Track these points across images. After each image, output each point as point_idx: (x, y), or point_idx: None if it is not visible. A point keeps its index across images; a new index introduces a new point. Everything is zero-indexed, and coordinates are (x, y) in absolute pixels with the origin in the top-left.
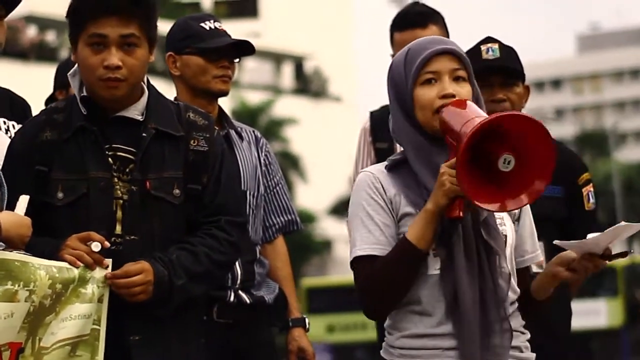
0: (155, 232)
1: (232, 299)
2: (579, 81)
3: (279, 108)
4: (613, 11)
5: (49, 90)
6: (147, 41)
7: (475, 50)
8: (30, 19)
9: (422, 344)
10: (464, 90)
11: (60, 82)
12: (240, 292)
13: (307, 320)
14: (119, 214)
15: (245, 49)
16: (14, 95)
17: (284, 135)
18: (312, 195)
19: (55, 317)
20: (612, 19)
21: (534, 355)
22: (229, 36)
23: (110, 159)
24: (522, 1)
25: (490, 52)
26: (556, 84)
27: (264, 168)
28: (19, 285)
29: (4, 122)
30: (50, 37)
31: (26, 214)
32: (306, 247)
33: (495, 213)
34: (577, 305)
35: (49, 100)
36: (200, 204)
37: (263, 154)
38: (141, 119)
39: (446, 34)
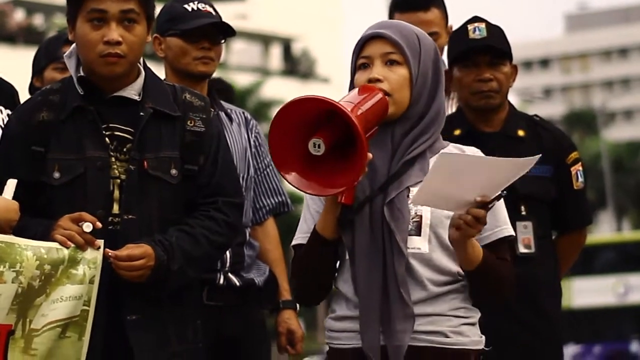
0: (152, 211)
1: (221, 281)
2: (567, 60)
3: (267, 89)
4: None
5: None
6: (146, 19)
7: (462, 30)
8: (17, 3)
9: (342, 326)
10: (394, 74)
11: (36, 68)
12: (229, 274)
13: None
14: (117, 193)
15: (225, 30)
16: (1, 80)
17: (272, 116)
18: None
19: (46, 299)
20: None
21: (467, 339)
22: (214, 17)
23: (107, 139)
24: None
25: (477, 32)
26: (544, 63)
27: (254, 150)
28: (4, 267)
29: None
30: (38, 20)
31: (18, 195)
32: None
33: (413, 193)
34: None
35: (30, 90)
36: (197, 185)
37: (253, 135)
38: (138, 99)
39: (446, 16)
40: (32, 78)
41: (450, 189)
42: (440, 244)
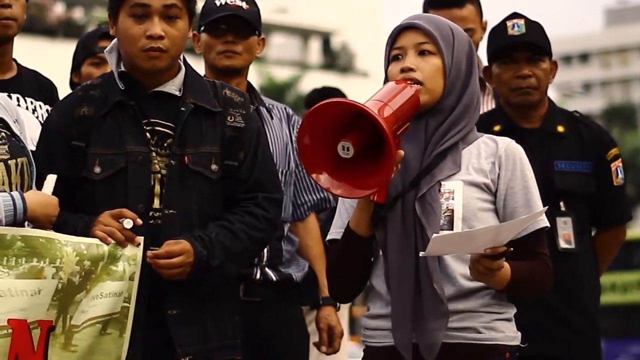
0: (193, 206)
1: (258, 276)
2: (607, 55)
3: (306, 84)
4: None
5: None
6: (188, 14)
7: (500, 27)
8: None
9: (376, 324)
10: (427, 64)
11: (74, 64)
12: (266, 269)
13: None
14: (157, 188)
15: (248, 22)
16: (41, 76)
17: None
18: None
19: (86, 295)
20: None
21: (501, 334)
22: (241, 10)
23: (148, 134)
24: None
25: (516, 28)
26: (584, 58)
27: (295, 145)
28: (44, 262)
29: (31, 103)
30: (78, 14)
31: (57, 191)
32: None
33: (445, 186)
34: None
35: (71, 85)
36: (237, 180)
37: (295, 130)
38: (179, 94)
39: (480, 12)
40: (71, 74)
41: (459, 248)
42: None
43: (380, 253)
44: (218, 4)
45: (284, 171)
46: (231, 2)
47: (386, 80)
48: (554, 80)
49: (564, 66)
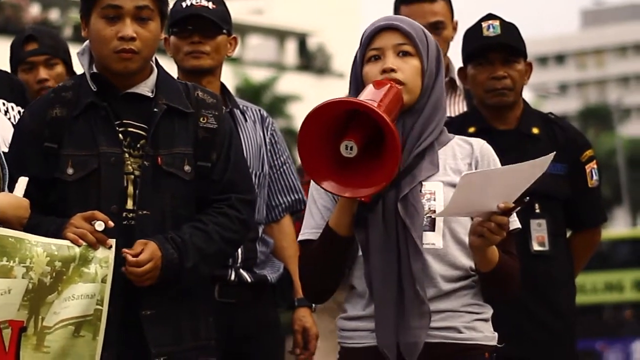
0: (166, 207)
1: (232, 277)
2: (583, 56)
3: (282, 85)
4: None
5: None
6: (160, 15)
7: (476, 28)
8: None
9: (355, 325)
10: (407, 65)
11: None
12: (241, 270)
13: None
14: (130, 189)
15: (214, 22)
16: (13, 77)
17: (288, 112)
18: None
19: (58, 297)
20: None
21: (480, 334)
22: (207, 11)
23: (120, 135)
24: None
25: (491, 29)
26: (560, 59)
27: (269, 147)
28: (14, 262)
29: (3, 104)
30: (54, 15)
31: (30, 192)
32: None
33: (425, 187)
34: None
35: None
36: (210, 181)
37: (269, 133)
38: (151, 96)
39: (451, 10)
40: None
41: (474, 204)
42: (454, 238)
43: (360, 253)
44: (184, 5)
45: (258, 173)
46: (197, 2)
47: (357, 80)
48: (530, 81)
49: (540, 67)
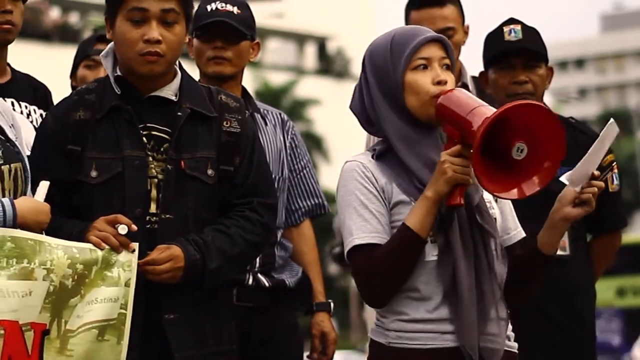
0: (189, 211)
1: (250, 282)
2: (603, 61)
3: (302, 89)
4: None
5: None
6: (185, 19)
7: (497, 32)
8: (53, 1)
9: (420, 327)
10: (450, 78)
11: (72, 69)
12: (259, 275)
13: (332, 304)
14: (154, 192)
15: (237, 29)
16: (35, 80)
17: (307, 115)
18: (335, 175)
19: (81, 300)
20: None
21: (515, 343)
22: (232, 16)
23: (144, 138)
24: None
25: (513, 34)
26: (579, 63)
27: (289, 151)
28: (34, 264)
29: (26, 107)
30: (74, 18)
31: (53, 195)
32: (329, 228)
33: (485, 196)
34: None
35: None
36: (233, 185)
37: (289, 137)
38: (175, 99)
39: (462, 14)
40: (70, 78)
41: (589, 165)
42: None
43: (427, 258)
44: (209, 9)
45: (278, 177)
46: (222, 7)
47: (394, 84)
48: (550, 86)
49: (559, 72)
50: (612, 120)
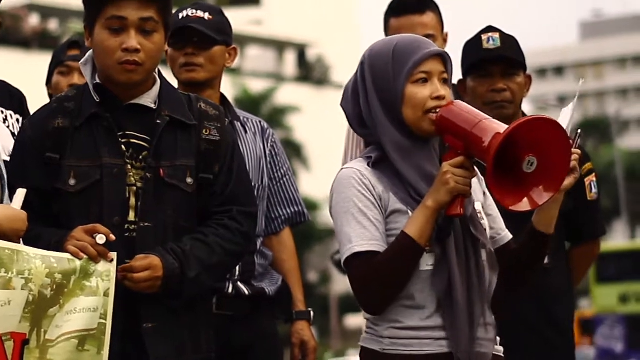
0: (168, 219)
1: (230, 290)
2: (582, 68)
3: (281, 96)
4: None
5: None
6: (164, 27)
7: (476, 40)
8: (32, 7)
9: (414, 334)
10: (448, 92)
11: (47, 75)
12: (239, 283)
13: (312, 313)
14: (132, 200)
15: (207, 34)
16: (10, 86)
17: (286, 123)
18: (315, 183)
19: (60, 310)
20: (615, 5)
21: (502, 348)
22: (202, 22)
23: (123, 146)
24: None
25: (491, 42)
26: (559, 70)
27: (269, 159)
28: (12, 273)
29: (2, 112)
30: (53, 25)
31: (32, 203)
32: (309, 235)
33: (476, 207)
34: None
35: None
36: (212, 194)
37: (269, 144)
38: (154, 107)
39: (441, 22)
40: (46, 86)
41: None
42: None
43: (423, 267)
44: (181, 16)
45: (257, 186)
46: (192, 14)
47: (393, 96)
48: (529, 93)
49: (539, 79)
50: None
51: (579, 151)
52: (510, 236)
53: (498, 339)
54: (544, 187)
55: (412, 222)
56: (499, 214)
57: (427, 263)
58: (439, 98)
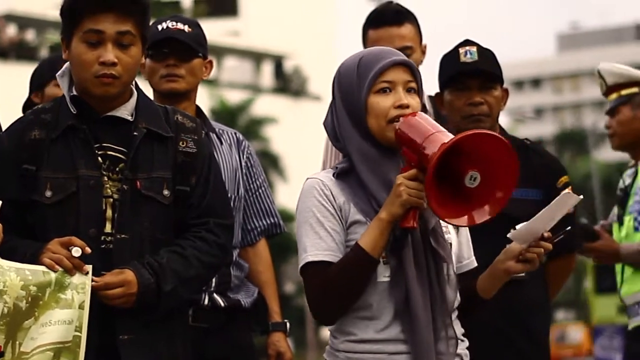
0: (144, 231)
1: (206, 302)
2: (559, 80)
3: (258, 107)
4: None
5: (28, 89)
6: (141, 40)
7: (453, 53)
8: (9, 18)
9: (368, 348)
10: (414, 101)
11: (37, 84)
12: (214, 295)
13: (288, 324)
14: (109, 212)
15: (190, 46)
16: None
17: (263, 134)
18: (292, 194)
19: (35, 322)
20: (593, 17)
21: None
22: (182, 34)
23: (99, 158)
24: (502, 0)
25: (469, 55)
26: (536, 83)
27: (245, 170)
28: None
29: None
30: (30, 36)
31: (7, 215)
32: (285, 247)
33: (441, 222)
34: None
35: (26, 105)
36: (189, 206)
37: (245, 156)
38: (131, 119)
39: (419, 34)
40: (31, 94)
41: (539, 225)
42: (454, 270)
43: (380, 279)
44: (160, 28)
45: (234, 197)
46: (172, 26)
47: (357, 107)
48: (506, 105)
49: (516, 91)
50: (567, 190)
51: (549, 246)
52: (473, 266)
53: (466, 352)
54: (485, 207)
55: (366, 233)
56: (468, 241)
57: (384, 275)
58: (401, 107)
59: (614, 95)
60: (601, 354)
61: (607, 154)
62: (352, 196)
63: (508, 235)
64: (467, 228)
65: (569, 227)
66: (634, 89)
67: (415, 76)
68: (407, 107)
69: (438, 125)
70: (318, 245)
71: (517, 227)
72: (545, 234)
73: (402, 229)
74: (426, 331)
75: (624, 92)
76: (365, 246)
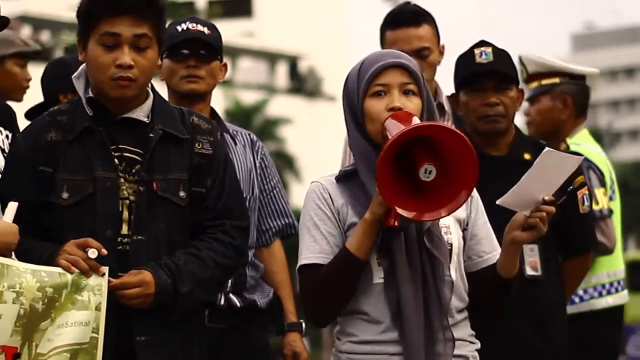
0: (160, 233)
1: (222, 302)
2: None
3: (273, 108)
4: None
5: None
6: (157, 43)
7: (468, 54)
8: (24, 19)
9: (369, 349)
10: (412, 104)
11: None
12: (230, 295)
13: (303, 324)
14: (125, 214)
15: (211, 47)
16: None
17: (278, 135)
18: None
19: (51, 324)
20: (607, 17)
21: None
22: (203, 35)
23: (116, 160)
24: (516, 0)
25: (484, 56)
26: None
27: (259, 171)
28: (3, 287)
29: None
30: (45, 37)
31: (24, 217)
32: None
33: (440, 221)
34: None
35: (31, 111)
36: (204, 207)
37: (259, 157)
38: (147, 121)
39: (437, 34)
40: (60, 95)
41: (532, 189)
42: (460, 271)
43: (375, 280)
44: (180, 29)
45: (248, 197)
46: (193, 27)
47: (355, 112)
48: (521, 107)
49: None
50: (547, 149)
51: (551, 209)
52: (494, 261)
53: (474, 354)
54: (439, 206)
55: (352, 235)
56: (489, 235)
57: (379, 276)
58: (393, 109)
59: (534, 84)
60: (634, 352)
61: (622, 153)
62: (351, 199)
63: (497, 202)
64: (487, 224)
65: (570, 188)
66: (555, 79)
67: (415, 78)
68: (399, 109)
69: (419, 121)
70: (312, 248)
71: (504, 195)
72: (547, 198)
73: (387, 229)
74: (416, 332)
75: (544, 81)
76: (350, 247)
